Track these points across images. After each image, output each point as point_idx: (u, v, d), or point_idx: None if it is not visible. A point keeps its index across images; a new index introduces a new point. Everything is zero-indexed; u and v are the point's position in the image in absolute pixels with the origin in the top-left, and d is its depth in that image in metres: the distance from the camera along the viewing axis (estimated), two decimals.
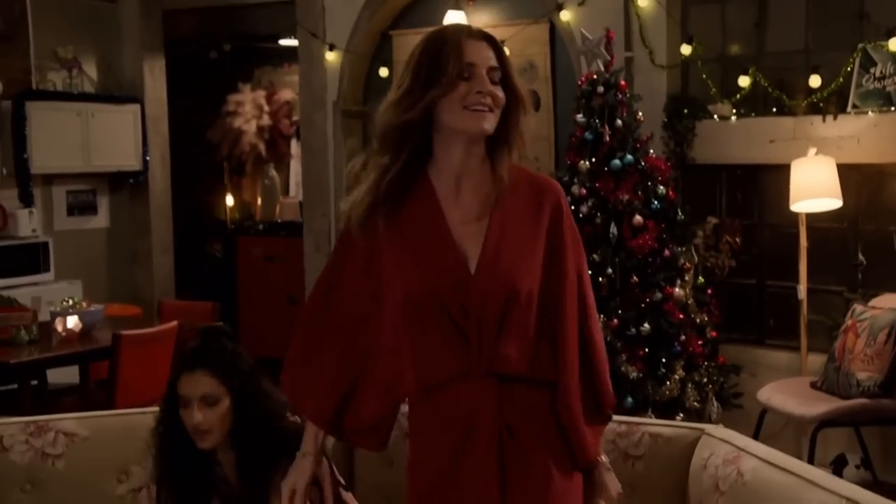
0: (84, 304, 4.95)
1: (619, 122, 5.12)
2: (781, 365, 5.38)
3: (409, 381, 2.01)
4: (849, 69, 5.02)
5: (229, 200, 9.39)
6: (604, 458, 2.13)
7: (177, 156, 8.33)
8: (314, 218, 7.30)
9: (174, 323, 4.78)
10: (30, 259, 6.75)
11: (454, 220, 1.99)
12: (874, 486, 4.90)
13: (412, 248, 1.98)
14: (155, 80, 8.04)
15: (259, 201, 9.42)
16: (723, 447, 2.49)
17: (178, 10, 8.56)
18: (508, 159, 2.02)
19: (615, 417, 2.77)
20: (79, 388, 5.06)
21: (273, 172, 9.37)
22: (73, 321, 4.72)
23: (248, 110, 8.89)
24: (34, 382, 5.06)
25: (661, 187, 5.12)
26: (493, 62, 2.00)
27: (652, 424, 2.70)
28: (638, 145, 5.15)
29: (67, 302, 4.89)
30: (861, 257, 5.21)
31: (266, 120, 8.91)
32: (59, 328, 4.70)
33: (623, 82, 5.20)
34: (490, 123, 1.97)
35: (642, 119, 5.25)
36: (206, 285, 8.95)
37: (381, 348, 2.06)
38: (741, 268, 5.59)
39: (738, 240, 5.59)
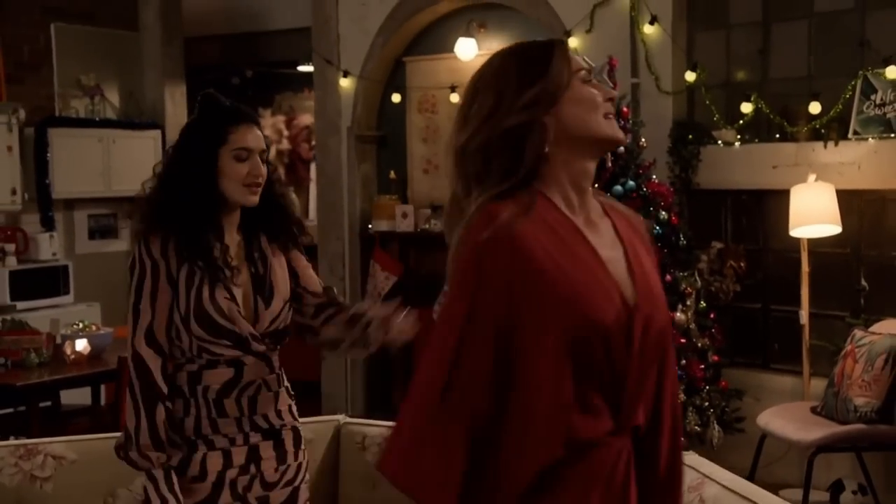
0: (94, 328, 5.05)
1: (621, 148, 5.16)
2: (786, 389, 5.38)
3: (553, 442, 1.60)
4: (847, 96, 5.03)
5: None
6: None
7: None
8: (329, 241, 7.39)
9: None
10: (50, 282, 6.89)
11: (596, 245, 1.69)
12: None
13: (566, 280, 1.62)
14: (176, 106, 8.19)
15: None
16: (689, 474, 2.51)
17: (201, 38, 8.75)
18: None
19: None
20: (90, 410, 5.16)
21: (293, 196, 9.45)
22: (81, 344, 4.82)
23: (268, 135, 9.01)
24: (47, 404, 5.17)
25: (664, 213, 5.16)
26: None
27: None
28: (640, 171, 5.19)
29: (77, 325, 4.99)
30: (864, 283, 5.21)
31: (285, 144, 9.04)
32: (68, 351, 4.80)
33: (626, 109, 5.24)
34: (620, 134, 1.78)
35: (645, 145, 5.30)
36: None
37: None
38: (746, 292, 5.59)
39: (742, 264, 5.60)
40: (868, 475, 4.88)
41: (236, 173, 2.33)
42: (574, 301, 1.59)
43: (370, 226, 7.20)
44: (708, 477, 2.45)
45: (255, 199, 2.36)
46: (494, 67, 1.72)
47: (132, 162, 7.69)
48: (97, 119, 7.54)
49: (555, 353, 1.58)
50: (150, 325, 2.30)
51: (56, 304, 6.90)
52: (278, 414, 2.42)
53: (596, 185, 5.39)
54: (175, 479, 2.28)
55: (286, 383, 2.48)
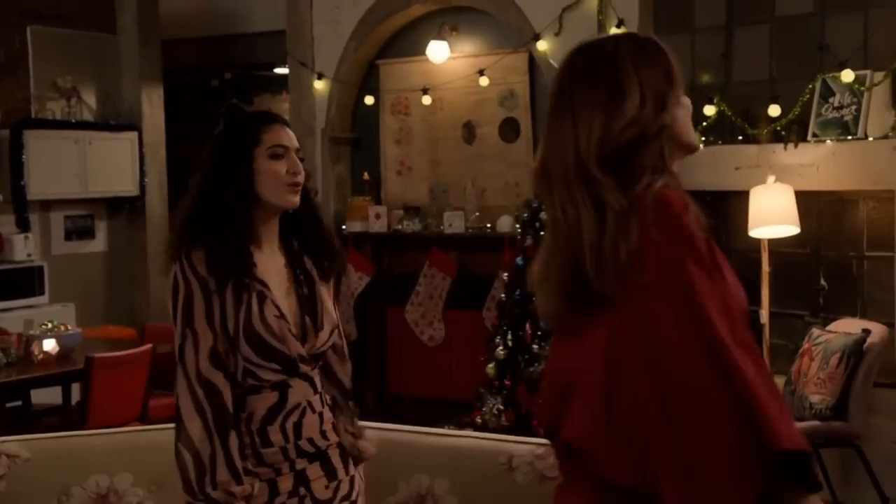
0: (64, 328, 5.08)
1: None
2: None
3: None
4: (804, 99, 5.10)
5: None
6: None
7: (177, 182, 8.48)
8: None
9: (148, 346, 4.90)
10: (25, 283, 6.91)
11: None
12: None
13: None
14: (153, 108, 8.21)
15: None
16: None
17: (179, 40, 8.77)
18: None
19: (534, 440, 2.87)
20: (59, 409, 5.19)
21: None
22: (49, 344, 4.85)
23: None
24: (17, 403, 5.20)
25: None
26: None
27: None
28: None
29: (46, 325, 5.02)
30: (823, 282, 5.27)
31: None
32: (36, 351, 4.83)
33: None
34: None
35: None
36: None
37: None
38: None
39: None
40: (826, 471, 4.94)
41: (275, 172, 2.21)
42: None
43: (344, 226, 7.24)
44: None
45: (297, 199, 2.24)
46: (633, 60, 1.68)
47: (109, 163, 7.73)
48: (73, 121, 7.56)
49: None
50: (213, 347, 2.14)
51: (31, 304, 6.93)
52: (323, 435, 2.29)
53: None
54: None
55: (328, 400, 2.34)
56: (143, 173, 7.97)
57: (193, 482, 2.12)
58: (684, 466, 1.49)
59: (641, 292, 1.56)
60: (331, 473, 2.30)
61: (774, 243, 5.20)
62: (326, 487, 2.29)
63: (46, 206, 7.54)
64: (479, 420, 5.49)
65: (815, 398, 4.52)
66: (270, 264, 2.26)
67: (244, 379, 2.17)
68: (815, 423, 4.49)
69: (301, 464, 2.25)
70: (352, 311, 7.17)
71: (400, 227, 7.05)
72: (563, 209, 1.66)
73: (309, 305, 2.29)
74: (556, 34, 6.15)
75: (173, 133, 8.40)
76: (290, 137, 2.26)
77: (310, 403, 2.26)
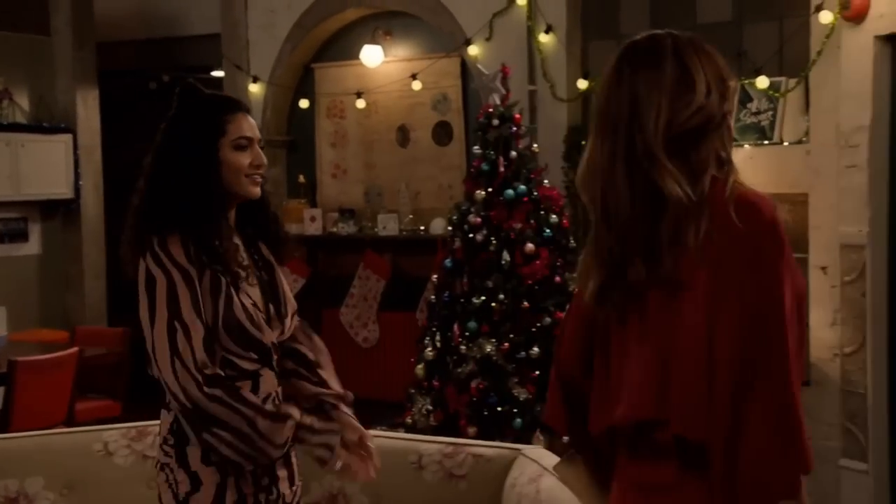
0: None
1: (513, 153, 5.26)
2: None
3: None
4: None
5: None
6: None
7: (116, 184, 8.40)
8: None
9: (74, 349, 4.86)
10: None
11: None
12: None
13: None
14: (88, 110, 8.12)
15: None
16: (531, 466, 2.62)
17: (118, 42, 8.70)
18: None
19: (443, 439, 2.91)
20: None
21: None
22: None
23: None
24: None
25: (554, 216, 5.28)
26: None
27: (476, 445, 2.83)
28: (532, 176, 5.30)
29: None
30: None
31: None
32: None
33: (517, 115, 5.35)
34: None
35: (537, 150, 5.42)
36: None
37: None
38: None
39: None
40: None
41: (240, 164, 2.17)
42: None
43: None
44: (546, 469, 2.55)
45: (259, 190, 2.22)
46: (695, 50, 1.76)
47: (42, 166, 7.64)
48: (4, 123, 7.46)
49: None
50: (205, 337, 2.10)
51: None
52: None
53: (489, 189, 5.41)
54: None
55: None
56: (77, 176, 7.88)
57: (251, 451, 2.09)
58: (773, 411, 1.62)
59: (716, 278, 1.66)
60: (292, 475, 2.29)
61: None
62: (290, 489, 2.28)
63: None
64: (409, 420, 5.52)
65: None
66: (239, 249, 2.24)
67: (222, 369, 2.14)
68: None
69: None
70: None
71: (335, 229, 7.07)
72: (624, 193, 1.69)
73: (271, 292, 2.27)
74: (487, 39, 6.21)
75: (112, 135, 8.33)
76: (252, 127, 2.23)
77: (277, 394, 2.23)
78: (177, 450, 2.15)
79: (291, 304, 2.32)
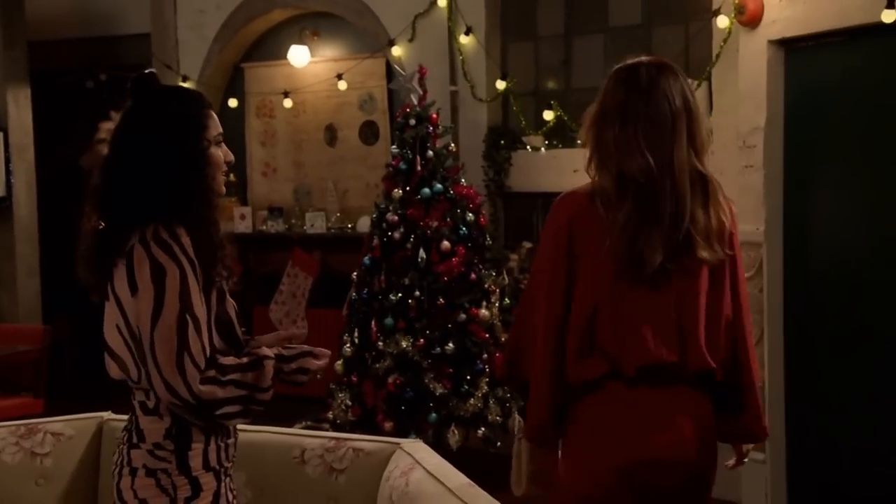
0: None
1: (430, 153, 5.31)
2: None
3: None
4: None
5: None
6: None
7: (52, 183, 8.33)
8: None
9: None
10: None
11: None
12: None
13: None
14: (20, 109, 8.04)
15: None
16: (405, 460, 2.66)
17: (53, 41, 8.62)
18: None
19: (326, 434, 2.95)
20: None
21: None
22: None
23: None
24: None
25: (471, 214, 5.33)
26: None
27: (357, 440, 2.87)
28: (448, 175, 5.35)
29: None
30: None
31: None
32: None
33: (434, 115, 5.40)
34: None
35: (453, 149, 5.48)
36: (82, 307, 8.96)
37: None
38: None
39: None
40: None
41: (219, 160, 2.14)
42: None
43: None
44: (418, 463, 2.59)
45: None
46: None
47: None
48: None
49: None
50: (209, 330, 2.05)
51: None
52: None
53: (408, 188, 5.46)
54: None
55: None
56: (9, 174, 7.81)
57: (250, 401, 2.08)
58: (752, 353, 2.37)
59: (730, 255, 2.29)
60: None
61: None
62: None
63: None
64: (330, 416, 5.56)
65: None
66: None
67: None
68: None
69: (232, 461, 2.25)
70: None
71: (264, 227, 7.08)
72: (675, 195, 2.21)
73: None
74: (410, 40, 6.25)
75: (49, 134, 8.25)
76: (217, 120, 2.19)
77: None
78: (177, 455, 2.11)
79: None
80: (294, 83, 6.94)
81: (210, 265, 2.08)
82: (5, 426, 3.04)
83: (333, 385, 5.51)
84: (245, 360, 2.11)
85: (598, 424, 2.27)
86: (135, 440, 2.13)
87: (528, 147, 5.83)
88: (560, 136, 5.78)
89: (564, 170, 5.67)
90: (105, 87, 9.44)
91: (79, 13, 8.76)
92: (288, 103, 6.87)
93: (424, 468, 2.55)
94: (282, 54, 6.92)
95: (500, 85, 5.85)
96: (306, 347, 2.26)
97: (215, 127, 2.16)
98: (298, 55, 6.73)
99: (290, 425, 5.78)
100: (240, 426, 3.11)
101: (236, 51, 7.20)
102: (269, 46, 7.16)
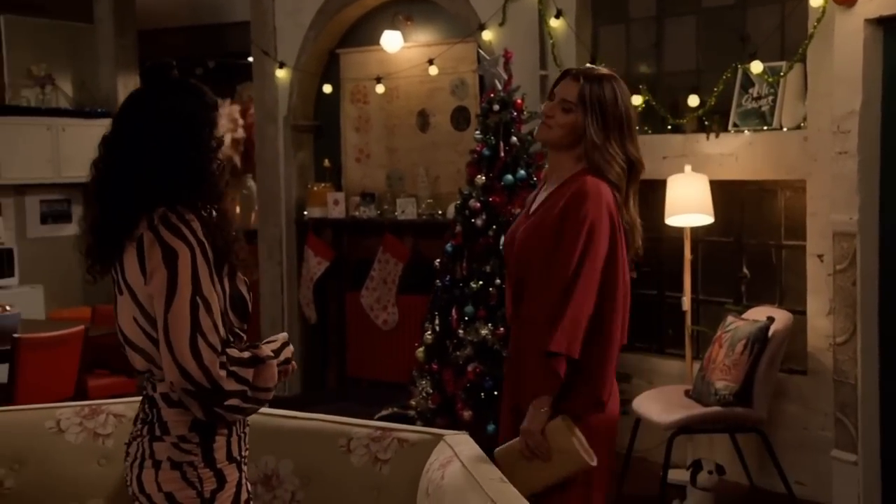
0: (2, 309, 5.17)
1: (514, 139, 5.22)
2: (674, 373, 5.44)
3: None
4: (719, 89, 5.08)
5: None
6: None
7: None
8: (267, 227, 7.51)
9: (80, 327, 4.99)
10: None
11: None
12: (750, 490, 4.96)
13: None
14: None
15: (238, 210, 9.64)
16: (446, 452, 2.60)
17: (164, 30, 8.87)
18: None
19: (373, 423, 2.92)
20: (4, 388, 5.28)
21: (251, 182, 9.56)
22: None
23: (223, 124, 9.10)
24: None
25: None
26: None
27: (403, 430, 2.82)
28: (532, 161, 5.25)
29: None
30: (745, 271, 5.26)
31: (241, 133, 9.11)
32: None
33: (519, 100, 5.30)
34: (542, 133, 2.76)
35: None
36: None
37: None
38: (643, 279, 5.63)
39: (639, 253, 5.64)
40: (742, 456, 4.95)
41: (225, 156, 2.23)
42: None
43: (305, 212, 7.30)
44: (457, 456, 2.53)
45: None
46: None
47: (84, 149, 7.78)
48: (44, 108, 7.66)
49: None
50: (223, 312, 2.05)
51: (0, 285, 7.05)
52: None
53: (491, 175, 5.45)
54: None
55: None
56: None
57: (253, 401, 2.06)
58: None
59: None
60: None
61: (700, 231, 5.20)
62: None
63: (21, 190, 7.66)
64: (413, 403, 5.54)
65: (719, 384, 4.53)
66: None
67: (231, 343, 2.08)
68: (717, 408, 4.49)
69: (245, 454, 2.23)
70: (311, 294, 7.24)
71: (357, 213, 7.10)
72: None
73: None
74: (501, 24, 6.15)
75: None
76: None
77: None
78: (202, 448, 2.10)
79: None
80: (387, 69, 6.93)
81: (222, 246, 2.06)
82: (69, 406, 3.09)
83: (415, 372, 5.49)
84: (247, 355, 2.08)
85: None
86: (157, 433, 2.11)
87: None
88: (650, 121, 5.60)
89: (654, 156, 5.46)
90: (212, 75, 9.67)
91: (187, 2, 8.97)
92: (381, 89, 6.87)
93: (461, 461, 2.48)
94: (375, 40, 6.90)
95: None
96: (281, 338, 2.22)
97: (220, 126, 2.19)
98: (391, 40, 6.70)
99: (377, 411, 5.83)
100: (288, 412, 3.14)
101: (331, 37, 7.23)
102: (364, 32, 7.16)
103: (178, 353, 1.97)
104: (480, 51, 5.56)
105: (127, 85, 8.27)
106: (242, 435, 2.20)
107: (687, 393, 4.82)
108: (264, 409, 3.06)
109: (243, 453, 2.19)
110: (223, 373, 2.00)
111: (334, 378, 7.44)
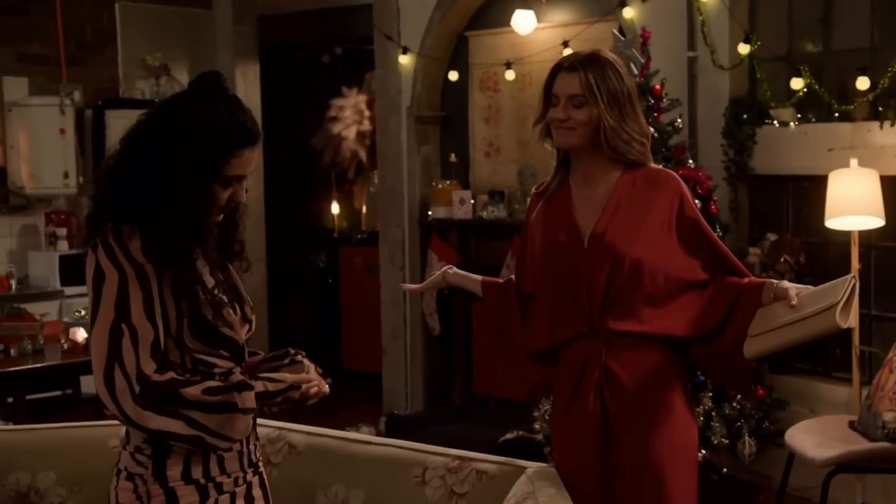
0: None
1: (651, 130, 5.05)
2: (841, 401, 5.16)
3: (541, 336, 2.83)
4: (893, 69, 4.77)
5: (335, 208, 9.76)
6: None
7: (283, 163, 8.77)
8: (389, 228, 7.52)
9: None
10: None
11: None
12: None
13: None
14: (248, 85, 8.48)
15: (364, 209, 9.75)
16: (525, 487, 2.52)
17: (289, 14, 9.05)
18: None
19: (450, 452, 2.86)
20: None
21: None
22: (81, 333, 5.11)
23: (349, 115, 9.21)
24: (69, 391, 5.53)
25: (699, 201, 5.03)
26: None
27: (482, 461, 2.75)
28: (671, 155, 5.08)
29: (79, 313, 5.30)
30: None
31: (367, 125, 9.21)
32: (62, 340, 5.12)
33: (658, 86, 5.14)
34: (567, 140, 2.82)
35: (680, 126, 5.19)
36: (308, 295, 9.40)
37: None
38: None
39: (801, 259, 5.39)
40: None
41: (219, 200, 2.15)
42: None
43: (430, 212, 7.28)
44: (537, 491, 2.44)
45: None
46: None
47: None
48: (156, 100, 7.92)
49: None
50: (155, 341, 2.06)
51: None
52: (257, 445, 2.30)
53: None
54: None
55: None
56: None
57: (198, 442, 2.08)
58: None
59: None
60: (266, 496, 2.30)
61: (871, 236, 4.92)
62: None
63: None
64: (537, 426, 5.46)
65: (888, 416, 4.24)
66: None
67: (194, 369, 2.13)
68: (885, 444, 4.21)
69: (249, 475, 2.25)
70: (435, 304, 7.22)
71: (484, 213, 7.03)
72: None
73: (231, 292, 2.27)
74: (644, 0, 5.98)
75: (284, 112, 8.65)
76: (252, 161, 2.16)
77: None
78: (154, 461, 2.13)
79: (248, 301, 2.32)
80: (519, 52, 6.84)
81: (180, 266, 2.10)
82: None
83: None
84: (218, 398, 2.07)
85: None
86: (125, 441, 2.20)
87: (776, 122, 5.42)
88: (815, 108, 5.32)
89: (818, 148, 5.22)
90: (340, 62, 9.80)
91: None
92: (510, 75, 6.79)
93: (538, 499, 2.39)
94: (507, 21, 6.83)
95: (743, 49, 5.46)
96: (291, 379, 2.22)
97: (240, 167, 2.14)
98: (523, 21, 6.60)
99: (502, 434, 5.76)
100: (363, 437, 3.11)
101: (459, 18, 7.18)
102: (495, 12, 7.08)
103: (95, 378, 2.06)
104: (615, 31, 5.40)
105: (246, 74, 8.46)
106: (218, 457, 2.17)
107: (851, 424, 4.55)
108: (339, 433, 3.07)
109: (217, 478, 2.17)
110: (136, 406, 2.02)
111: (459, 395, 7.40)
